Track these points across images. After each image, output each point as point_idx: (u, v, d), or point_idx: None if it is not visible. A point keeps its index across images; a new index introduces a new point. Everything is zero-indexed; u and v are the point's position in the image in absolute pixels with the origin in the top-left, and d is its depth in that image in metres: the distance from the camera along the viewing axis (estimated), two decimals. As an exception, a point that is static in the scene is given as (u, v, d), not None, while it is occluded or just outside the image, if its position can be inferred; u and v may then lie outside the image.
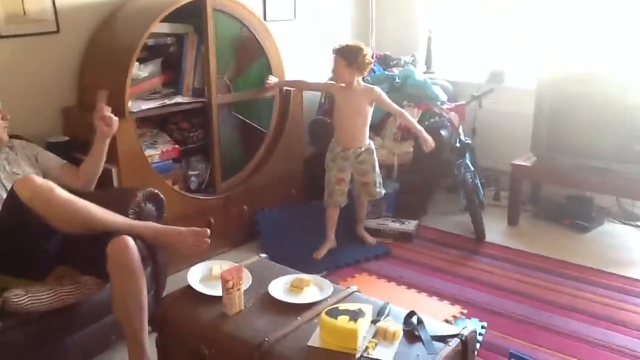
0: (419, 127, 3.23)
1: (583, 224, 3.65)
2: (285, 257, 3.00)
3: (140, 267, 2.04)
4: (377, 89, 3.19)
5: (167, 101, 3.01)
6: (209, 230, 2.14)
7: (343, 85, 3.15)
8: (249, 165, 3.47)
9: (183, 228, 2.16)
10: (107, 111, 2.37)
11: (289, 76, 3.56)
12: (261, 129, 3.52)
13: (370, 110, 3.19)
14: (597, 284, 2.99)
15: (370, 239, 3.39)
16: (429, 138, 3.19)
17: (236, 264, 1.97)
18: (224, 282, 1.82)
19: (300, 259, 3.00)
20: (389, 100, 3.21)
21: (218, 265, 2.05)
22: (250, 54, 3.37)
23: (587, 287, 2.96)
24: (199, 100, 3.14)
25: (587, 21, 3.77)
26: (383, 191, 3.35)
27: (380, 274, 3.07)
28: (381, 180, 3.33)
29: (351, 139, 3.20)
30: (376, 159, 3.29)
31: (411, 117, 3.34)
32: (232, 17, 3.19)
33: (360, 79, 3.16)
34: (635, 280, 3.03)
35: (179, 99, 3.06)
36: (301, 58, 3.97)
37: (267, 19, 3.69)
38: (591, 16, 3.75)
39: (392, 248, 3.35)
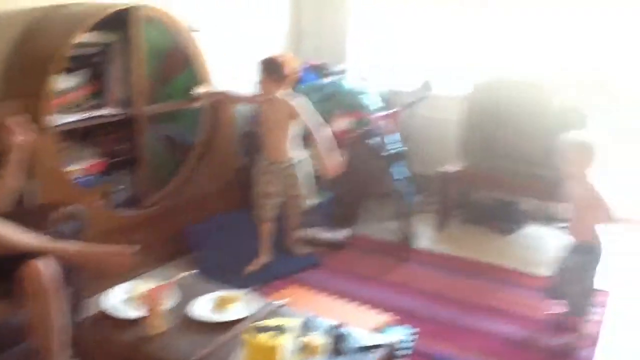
0: (325, 151, 3.10)
1: (508, 227, 3.78)
2: (219, 272, 2.99)
3: (56, 291, 1.95)
4: (296, 102, 3.12)
5: (92, 113, 2.92)
6: (134, 248, 2.08)
7: (268, 97, 3.11)
8: (179, 178, 3.41)
9: (106, 246, 2.10)
10: (18, 122, 2.26)
11: (218, 86, 3.52)
12: (190, 140, 3.47)
13: (291, 124, 3.14)
14: (519, 284, 3.10)
15: (299, 250, 3.36)
16: (331, 166, 3.10)
17: (160, 283, 1.93)
18: (146, 302, 1.78)
19: (234, 273, 2.98)
20: (307, 115, 3.13)
21: (141, 285, 2.00)
22: (177, 64, 3.32)
23: (511, 288, 3.06)
24: (125, 112, 3.06)
25: (515, 28, 3.91)
26: (312, 202, 3.33)
27: (312, 285, 3.07)
28: (312, 192, 3.31)
29: (275, 152, 3.18)
30: (307, 170, 3.25)
31: (327, 136, 3.19)
32: (159, 26, 3.13)
33: (285, 91, 3.12)
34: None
35: (104, 111, 2.98)
36: (231, 68, 3.94)
37: (192, 28, 3.63)
38: (519, 23, 3.89)
39: (324, 258, 3.37)
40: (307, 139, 3.22)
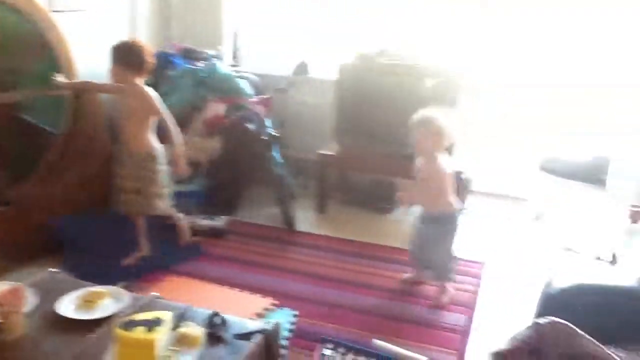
0: (180, 149, 2.97)
1: (386, 206, 3.91)
2: (90, 269, 2.82)
3: None
4: (147, 93, 2.89)
5: None
6: None
7: (126, 86, 2.88)
8: (41, 169, 3.15)
9: None
10: None
11: (82, 71, 3.30)
12: (53, 129, 3.23)
13: (146, 114, 2.91)
14: (397, 261, 3.22)
15: (186, 239, 3.22)
16: (182, 165, 2.99)
17: (13, 284, 1.77)
18: (-1, 306, 1.62)
19: (106, 269, 2.82)
20: (157, 107, 2.91)
21: (-3, 287, 1.83)
22: (33, 48, 3.06)
23: (389, 265, 3.17)
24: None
25: (385, 10, 4.01)
26: (159, 208, 3.03)
27: (191, 274, 2.98)
28: (162, 195, 3.03)
29: (129, 143, 2.95)
30: (161, 169, 2.98)
31: (175, 128, 2.99)
32: (10, 7, 2.86)
33: (140, 80, 2.90)
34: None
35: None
36: (94, 53, 3.70)
37: (53, 9, 3.37)
38: (390, 6, 4.00)
39: (205, 246, 3.29)
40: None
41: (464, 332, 2.57)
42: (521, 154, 4.13)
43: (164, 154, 3.00)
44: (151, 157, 2.95)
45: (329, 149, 3.86)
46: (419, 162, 2.82)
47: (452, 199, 2.78)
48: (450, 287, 2.86)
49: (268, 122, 3.82)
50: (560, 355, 1.53)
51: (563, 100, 3.99)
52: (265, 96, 3.92)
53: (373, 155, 3.74)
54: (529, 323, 1.67)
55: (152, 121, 2.95)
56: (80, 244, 3.14)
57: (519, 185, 4.20)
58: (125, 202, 3.00)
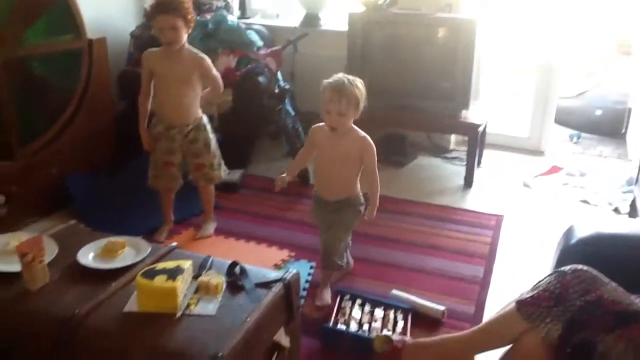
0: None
1: (398, 160, 3.87)
2: (103, 222, 2.83)
3: None
4: (207, 58, 2.70)
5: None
6: (2, 198, 1.88)
7: (168, 48, 2.59)
8: (51, 126, 3.13)
9: None
10: None
11: (91, 22, 3.23)
12: (62, 85, 3.19)
13: (199, 82, 2.71)
14: (413, 214, 3.20)
15: (161, 237, 2.87)
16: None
17: (34, 234, 1.76)
18: (22, 255, 1.62)
19: (119, 222, 2.81)
20: (215, 72, 2.74)
21: (16, 239, 1.82)
22: (41, 2, 2.99)
23: (405, 218, 3.15)
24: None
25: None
26: (225, 173, 2.92)
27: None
28: (221, 161, 2.90)
29: (175, 114, 2.70)
30: (211, 136, 2.83)
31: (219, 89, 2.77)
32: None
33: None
34: (444, 206, 3.30)
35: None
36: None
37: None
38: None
39: (218, 200, 3.27)
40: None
41: (483, 284, 2.57)
42: (538, 105, 4.06)
43: (207, 119, 2.84)
44: (201, 125, 2.78)
45: (342, 102, 3.79)
46: (322, 138, 2.32)
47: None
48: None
49: (279, 75, 3.76)
50: (583, 302, 1.51)
51: (580, 43, 3.88)
52: (275, 48, 3.84)
53: (385, 109, 3.68)
54: (552, 271, 1.66)
55: (200, 87, 2.74)
56: (91, 198, 3.14)
57: (537, 138, 4.14)
58: (166, 177, 2.80)
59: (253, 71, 3.57)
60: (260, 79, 3.53)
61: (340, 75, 2.24)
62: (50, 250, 1.78)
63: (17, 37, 2.91)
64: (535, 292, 1.60)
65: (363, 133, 2.32)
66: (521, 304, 1.60)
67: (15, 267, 1.69)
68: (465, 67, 3.47)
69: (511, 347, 1.64)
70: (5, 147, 2.92)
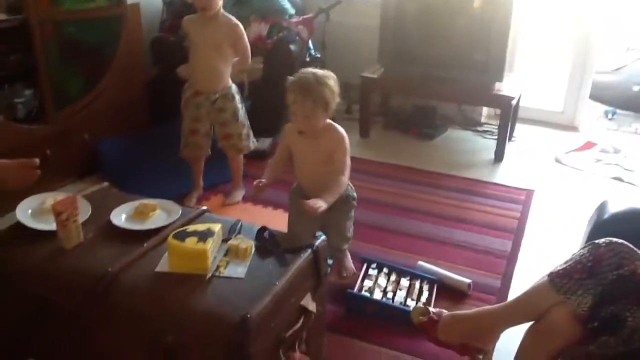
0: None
1: (429, 132, 3.84)
2: (135, 185, 2.86)
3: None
4: (235, 21, 2.68)
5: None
6: (37, 160, 1.91)
7: (202, 13, 2.60)
8: (86, 90, 3.17)
9: (6, 160, 1.92)
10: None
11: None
12: (98, 50, 3.22)
13: (230, 50, 2.69)
14: (440, 186, 3.18)
15: (190, 202, 2.90)
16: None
17: (69, 194, 1.80)
18: (57, 214, 1.65)
19: (150, 186, 2.85)
20: (246, 41, 2.71)
21: (51, 198, 1.86)
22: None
23: (432, 190, 3.14)
24: (15, 17, 2.76)
25: None
26: (253, 144, 2.92)
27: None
28: (250, 132, 2.89)
29: (204, 80, 2.71)
30: (240, 106, 2.82)
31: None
32: None
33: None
34: (473, 180, 3.27)
35: (-9, 16, 2.69)
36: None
37: None
38: None
39: (247, 168, 3.29)
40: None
41: (511, 258, 2.55)
42: (573, 79, 3.97)
43: (237, 89, 2.83)
44: (230, 94, 2.77)
45: (372, 72, 3.76)
46: (296, 139, 2.13)
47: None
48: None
49: (310, 44, 3.73)
50: (616, 276, 1.49)
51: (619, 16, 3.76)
52: (307, 16, 3.80)
53: (416, 79, 3.63)
54: (585, 244, 1.64)
55: (232, 55, 2.72)
56: (123, 162, 3.18)
57: (571, 113, 4.06)
58: (194, 145, 2.82)
59: (284, 39, 3.56)
60: (292, 47, 3.51)
61: (308, 71, 2.02)
62: (84, 211, 1.81)
63: (54, 1, 2.93)
64: (568, 264, 1.58)
65: (339, 131, 2.09)
66: (553, 275, 1.58)
67: (50, 225, 1.73)
68: (501, 39, 3.39)
69: (538, 321, 1.63)
70: (41, 111, 2.97)
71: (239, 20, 3.32)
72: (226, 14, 2.70)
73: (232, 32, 2.66)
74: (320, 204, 1.94)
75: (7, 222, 1.95)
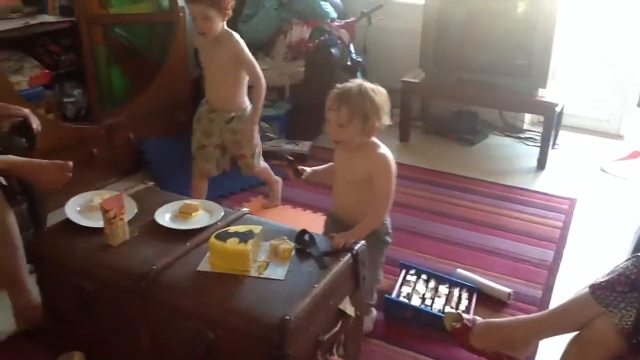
0: (255, 120, 2.59)
1: (469, 138, 3.80)
2: (176, 186, 2.90)
3: (3, 205, 1.86)
4: (235, 38, 2.51)
5: (30, 21, 2.72)
6: (71, 164, 1.97)
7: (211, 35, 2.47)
8: (132, 91, 3.25)
9: (44, 161, 1.99)
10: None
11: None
12: (145, 52, 3.30)
13: (238, 67, 2.54)
14: (480, 193, 3.14)
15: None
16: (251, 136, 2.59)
17: (115, 192, 1.85)
18: (105, 212, 1.71)
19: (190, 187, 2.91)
20: (249, 57, 2.53)
21: (98, 196, 1.92)
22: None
23: (471, 196, 3.11)
24: (67, 19, 2.85)
25: None
26: (261, 165, 2.78)
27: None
28: (260, 151, 2.75)
29: (217, 99, 2.61)
30: (255, 127, 2.64)
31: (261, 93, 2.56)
32: None
33: (223, 25, 2.49)
34: (514, 187, 3.22)
35: (44, 18, 2.78)
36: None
37: None
38: None
39: (286, 171, 3.31)
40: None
41: (552, 268, 2.50)
42: (620, 88, 3.88)
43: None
44: (239, 116, 2.62)
45: (413, 77, 3.75)
46: (337, 151, 2.01)
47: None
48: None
49: (351, 48, 3.74)
50: (663, 291, 1.46)
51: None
52: (349, 20, 3.81)
53: (458, 84, 3.60)
54: (630, 256, 1.60)
55: (242, 75, 2.58)
56: (165, 163, 3.25)
57: (616, 121, 3.96)
58: (202, 158, 2.67)
59: (326, 43, 3.57)
60: (333, 50, 3.53)
61: (357, 81, 1.89)
62: (130, 209, 1.86)
63: (104, 3, 3.02)
64: (611, 276, 1.56)
65: (381, 150, 1.92)
66: (595, 287, 1.55)
67: (97, 222, 1.78)
68: (545, 44, 3.33)
69: (580, 333, 1.60)
70: (89, 111, 3.06)
71: (281, 23, 3.36)
72: (228, 30, 2.53)
73: (232, 48, 2.50)
74: (346, 241, 1.77)
75: (56, 218, 2.03)
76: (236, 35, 2.53)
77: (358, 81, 1.91)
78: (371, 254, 1.86)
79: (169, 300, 1.59)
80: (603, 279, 1.57)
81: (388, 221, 2.02)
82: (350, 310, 1.73)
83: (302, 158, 3.41)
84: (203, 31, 2.44)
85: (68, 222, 1.85)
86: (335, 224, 2.01)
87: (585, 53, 3.96)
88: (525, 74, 3.43)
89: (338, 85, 1.89)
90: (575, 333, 1.62)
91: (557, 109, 3.43)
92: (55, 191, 1.99)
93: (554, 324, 1.67)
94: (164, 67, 3.29)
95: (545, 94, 3.46)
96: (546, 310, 1.77)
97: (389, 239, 2.04)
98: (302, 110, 3.57)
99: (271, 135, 3.50)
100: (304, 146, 3.48)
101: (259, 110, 2.59)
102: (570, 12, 3.79)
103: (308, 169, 2.07)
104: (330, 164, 2.08)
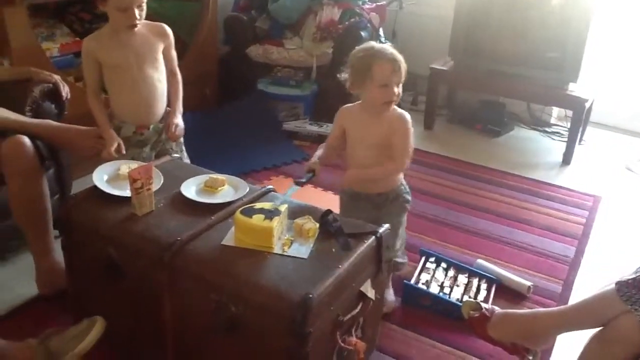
0: (178, 107, 2.39)
1: (495, 129, 3.76)
2: (201, 159, 2.92)
3: (38, 169, 1.88)
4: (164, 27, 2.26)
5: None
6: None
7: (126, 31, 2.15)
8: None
9: (82, 127, 2.01)
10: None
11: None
12: (176, 27, 3.28)
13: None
14: (503, 185, 3.12)
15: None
16: (179, 124, 2.33)
17: (145, 163, 1.86)
18: (132, 181, 1.71)
19: (216, 161, 2.91)
20: (173, 53, 2.32)
21: (126, 165, 1.93)
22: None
23: (495, 188, 3.08)
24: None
25: None
26: None
27: (298, 176, 3.03)
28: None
29: (144, 111, 2.28)
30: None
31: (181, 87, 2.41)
32: None
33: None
34: (538, 181, 3.19)
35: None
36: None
37: None
38: None
39: (311, 153, 3.31)
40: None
41: (574, 264, 2.48)
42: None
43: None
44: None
45: (442, 64, 3.71)
46: (353, 122, 2.03)
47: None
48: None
49: (381, 32, 3.70)
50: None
51: None
52: (380, 3, 3.77)
53: (487, 74, 3.56)
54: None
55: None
56: (191, 137, 3.24)
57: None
58: None
59: (356, 25, 3.54)
60: (363, 33, 3.50)
61: (372, 44, 1.96)
62: (157, 180, 1.87)
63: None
64: (638, 274, 1.54)
65: (400, 110, 1.98)
66: (621, 285, 1.54)
67: (124, 192, 1.79)
68: (579, 38, 3.28)
69: (603, 329, 1.59)
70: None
71: (312, 2, 3.31)
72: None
73: (164, 36, 2.30)
74: (352, 178, 1.97)
75: (82, 185, 2.05)
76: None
77: (372, 43, 1.96)
78: (396, 217, 2.03)
79: (194, 272, 1.60)
80: (630, 277, 1.55)
81: (405, 186, 2.09)
82: (371, 293, 1.73)
83: (325, 140, 3.40)
84: (136, 23, 2.10)
85: (95, 190, 1.86)
86: (351, 199, 2.07)
87: (618, 48, 3.89)
88: (557, 67, 3.38)
89: (369, 52, 1.90)
90: (597, 329, 1.61)
91: (587, 104, 3.38)
92: (88, 158, 2.01)
93: (576, 319, 1.65)
94: (193, 42, 3.28)
95: (576, 89, 3.41)
96: (568, 305, 1.75)
97: (407, 206, 2.10)
98: (328, 92, 3.55)
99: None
100: (328, 128, 3.45)
101: None
102: (606, 6, 3.71)
103: (315, 162, 2.13)
104: (323, 144, 2.18)
